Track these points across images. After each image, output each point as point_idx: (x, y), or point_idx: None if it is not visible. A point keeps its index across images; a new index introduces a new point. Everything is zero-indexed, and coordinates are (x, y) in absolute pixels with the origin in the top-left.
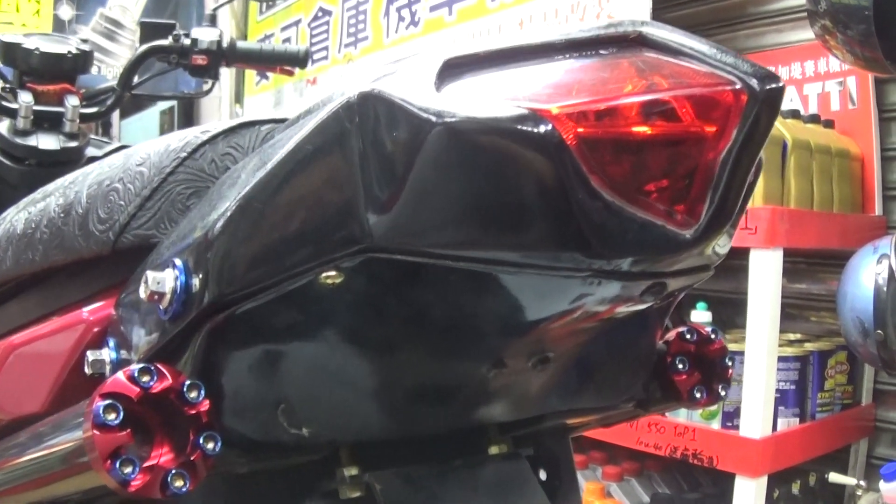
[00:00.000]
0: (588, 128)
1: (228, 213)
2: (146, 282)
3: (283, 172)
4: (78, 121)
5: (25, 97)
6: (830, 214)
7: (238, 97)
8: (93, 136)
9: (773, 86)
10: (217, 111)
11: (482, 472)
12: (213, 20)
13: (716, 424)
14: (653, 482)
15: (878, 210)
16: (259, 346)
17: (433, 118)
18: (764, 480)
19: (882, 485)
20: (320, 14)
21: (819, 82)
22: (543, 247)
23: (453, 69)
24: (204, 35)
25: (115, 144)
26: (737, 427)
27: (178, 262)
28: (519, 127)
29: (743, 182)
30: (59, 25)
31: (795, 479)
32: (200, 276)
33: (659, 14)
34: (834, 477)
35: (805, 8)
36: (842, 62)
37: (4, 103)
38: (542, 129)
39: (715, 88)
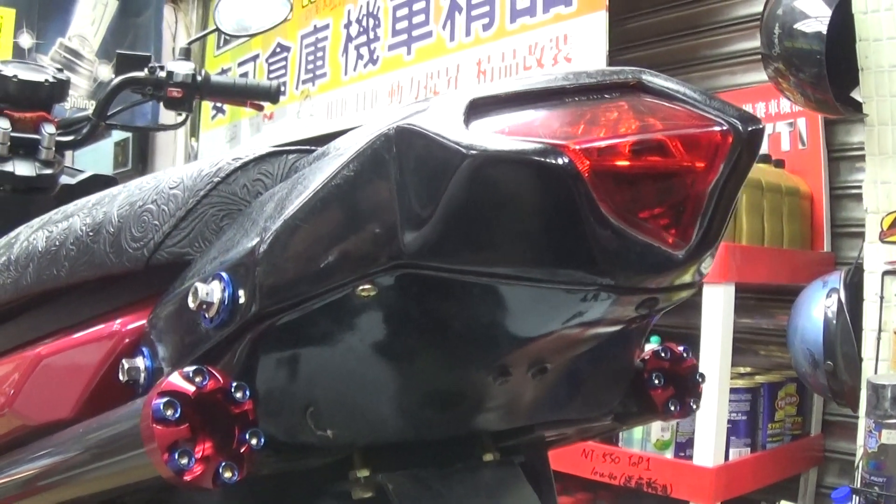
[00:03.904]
0: (598, 162)
1: (275, 233)
2: (195, 292)
3: (326, 196)
4: (54, 149)
5: (2, 123)
6: (781, 251)
7: (194, 131)
8: (66, 166)
9: (755, 127)
10: (172, 144)
11: (481, 476)
12: (187, 54)
13: (669, 454)
14: None
15: (826, 246)
16: (293, 353)
17: (465, 150)
18: None
19: None
20: (279, 50)
21: (770, 123)
22: (558, 264)
23: (478, 108)
24: (179, 68)
25: (89, 173)
26: (690, 457)
27: (224, 275)
28: (541, 159)
29: (727, 210)
30: (19, 53)
31: None
32: (247, 288)
33: (615, 56)
34: None
35: (758, 51)
36: (793, 104)
37: None
38: (560, 161)
39: (705, 129)
